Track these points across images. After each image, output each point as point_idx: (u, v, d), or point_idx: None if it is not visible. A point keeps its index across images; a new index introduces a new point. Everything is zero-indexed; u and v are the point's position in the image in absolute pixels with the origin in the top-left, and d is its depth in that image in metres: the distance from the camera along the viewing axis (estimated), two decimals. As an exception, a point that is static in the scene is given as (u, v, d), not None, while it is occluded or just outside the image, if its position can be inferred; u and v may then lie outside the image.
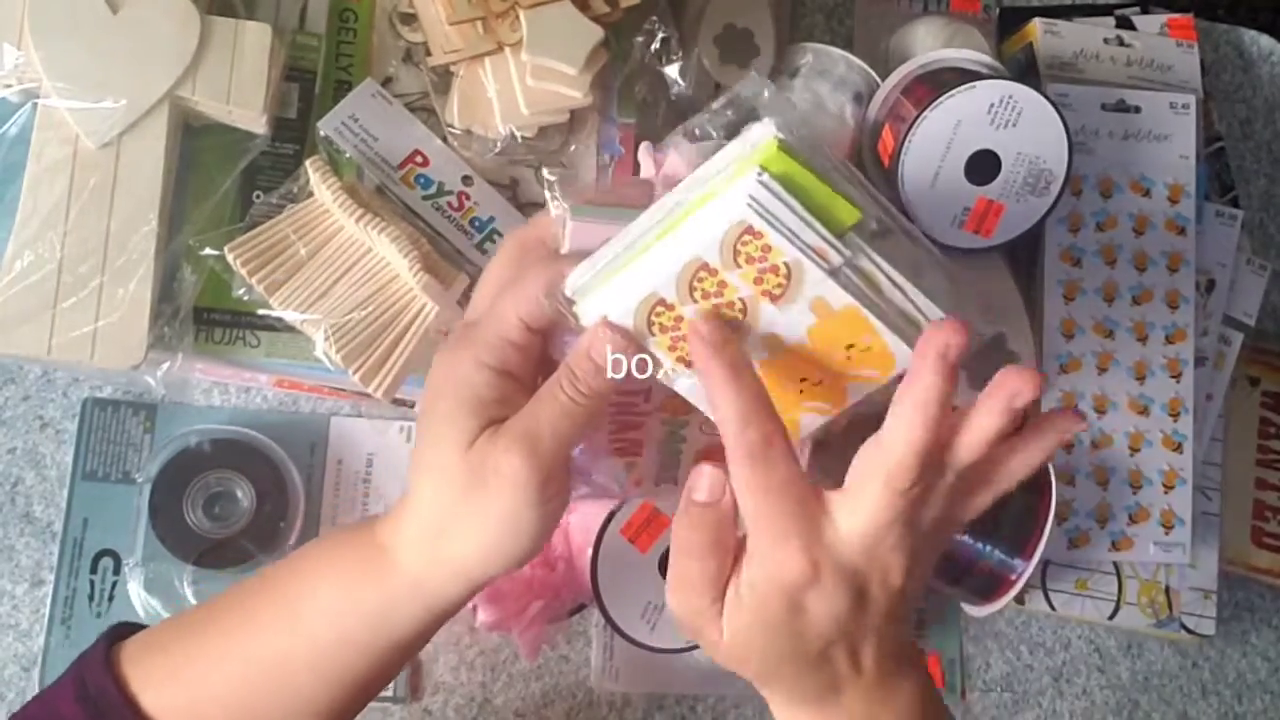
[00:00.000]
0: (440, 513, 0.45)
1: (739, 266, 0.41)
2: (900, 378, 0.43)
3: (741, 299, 0.42)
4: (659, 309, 0.42)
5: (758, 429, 0.41)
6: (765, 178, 0.39)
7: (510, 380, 0.44)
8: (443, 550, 0.45)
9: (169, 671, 0.47)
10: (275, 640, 0.47)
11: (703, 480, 0.43)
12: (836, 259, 0.41)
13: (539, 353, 0.45)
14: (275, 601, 0.48)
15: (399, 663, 0.48)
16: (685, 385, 0.45)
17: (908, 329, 0.43)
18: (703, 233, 0.41)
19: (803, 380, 0.45)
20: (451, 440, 0.44)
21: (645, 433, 0.51)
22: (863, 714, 0.44)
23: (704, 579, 0.43)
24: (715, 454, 0.45)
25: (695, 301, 0.42)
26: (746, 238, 0.40)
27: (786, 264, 0.41)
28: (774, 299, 0.42)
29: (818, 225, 0.40)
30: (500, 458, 0.43)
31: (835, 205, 0.40)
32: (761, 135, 0.40)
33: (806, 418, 0.47)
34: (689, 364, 0.43)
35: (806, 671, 0.43)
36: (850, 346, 0.44)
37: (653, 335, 0.43)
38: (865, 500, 0.41)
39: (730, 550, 0.43)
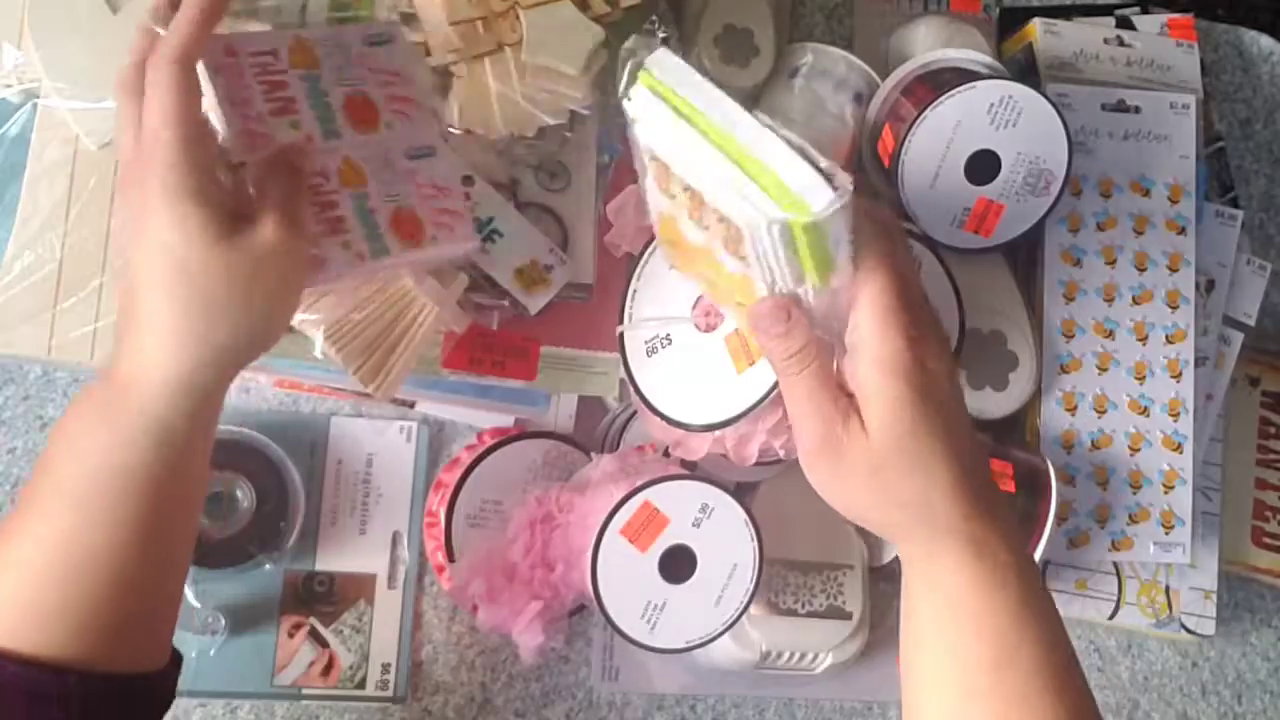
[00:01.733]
0: (188, 314, 0.45)
1: (720, 225, 0.48)
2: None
3: (708, 225, 0.49)
4: (663, 168, 0.49)
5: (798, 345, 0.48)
6: (774, 229, 0.44)
7: (209, 169, 0.46)
8: (201, 346, 0.46)
9: None
10: (56, 529, 0.46)
11: (769, 311, 0.48)
12: (780, 289, 0.48)
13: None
14: (40, 487, 0.47)
15: (187, 503, 0.49)
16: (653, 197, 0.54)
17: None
18: (722, 195, 0.46)
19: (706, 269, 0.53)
20: (196, 236, 0.45)
21: (292, 91, 0.57)
22: (1005, 514, 0.50)
23: (823, 379, 0.48)
24: (401, 217, 0.58)
25: (684, 194, 0.49)
26: (737, 229, 0.46)
27: (745, 255, 0.47)
28: (725, 248, 0.48)
29: (785, 268, 0.46)
30: (261, 251, 0.45)
31: (810, 270, 0.46)
32: (815, 200, 0.44)
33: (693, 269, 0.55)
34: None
35: (958, 437, 0.48)
36: (740, 305, 0.52)
37: (651, 162, 0.50)
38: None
39: (824, 345, 0.49)
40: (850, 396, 0.48)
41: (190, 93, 0.46)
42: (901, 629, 0.52)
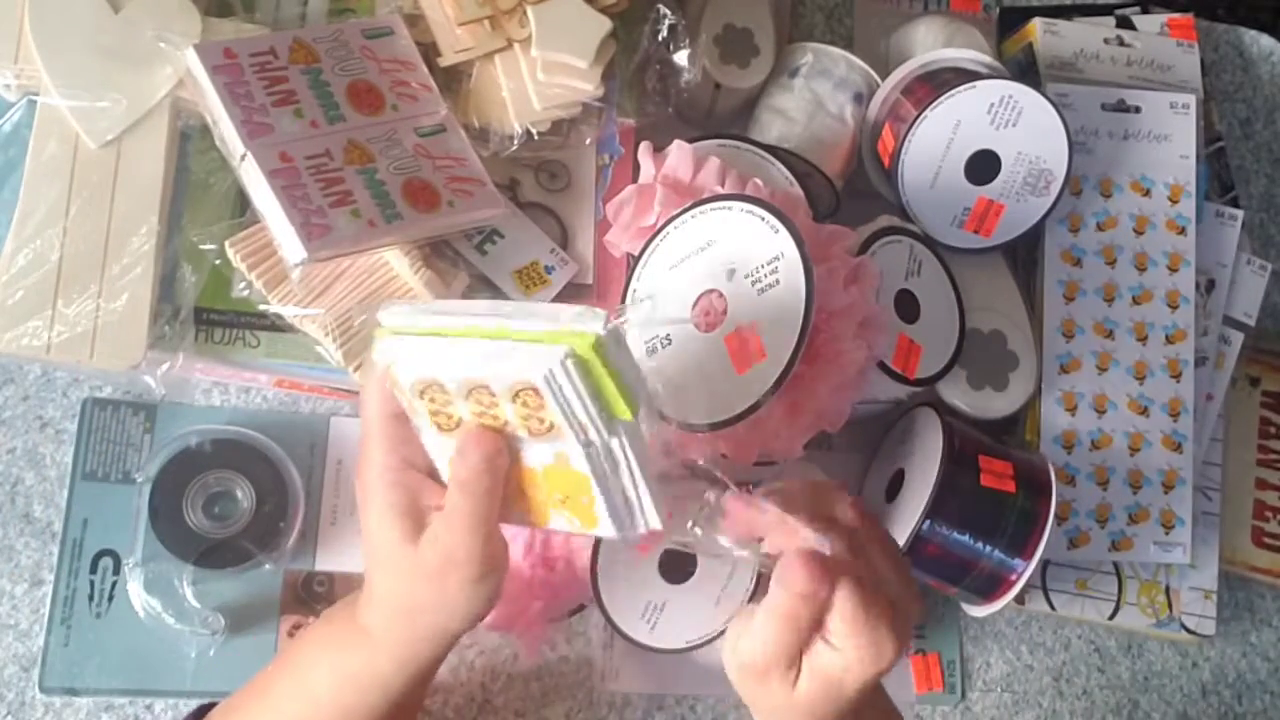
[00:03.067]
0: (404, 599, 0.51)
1: (513, 404, 0.47)
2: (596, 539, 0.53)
3: (507, 420, 0.48)
4: (435, 389, 0.48)
5: None
6: (568, 362, 0.44)
7: (412, 472, 0.51)
8: (417, 625, 0.52)
9: None
10: (290, 714, 0.55)
11: (800, 574, 0.49)
12: (594, 438, 0.47)
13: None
14: (286, 679, 0.56)
15: (402, 714, 0.56)
16: (429, 440, 0.50)
17: (622, 510, 0.49)
18: (500, 367, 0.46)
19: (521, 490, 0.51)
20: (390, 539, 0.50)
21: (293, 84, 0.61)
22: None
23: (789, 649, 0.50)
24: (414, 185, 0.62)
25: (466, 402, 0.48)
26: (530, 393, 0.46)
27: (552, 422, 0.47)
28: (531, 433, 0.48)
29: (590, 408, 0.46)
30: (443, 559, 0.49)
31: (615, 403, 0.46)
32: (590, 325, 0.45)
33: (517, 510, 0.52)
34: (441, 428, 0.49)
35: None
36: (567, 497, 0.50)
37: (420, 399, 0.49)
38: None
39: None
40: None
41: (387, 398, 0.50)
42: None
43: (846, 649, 0.49)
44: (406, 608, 0.52)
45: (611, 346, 0.45)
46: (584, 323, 0.45)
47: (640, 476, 0.49)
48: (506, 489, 0.51)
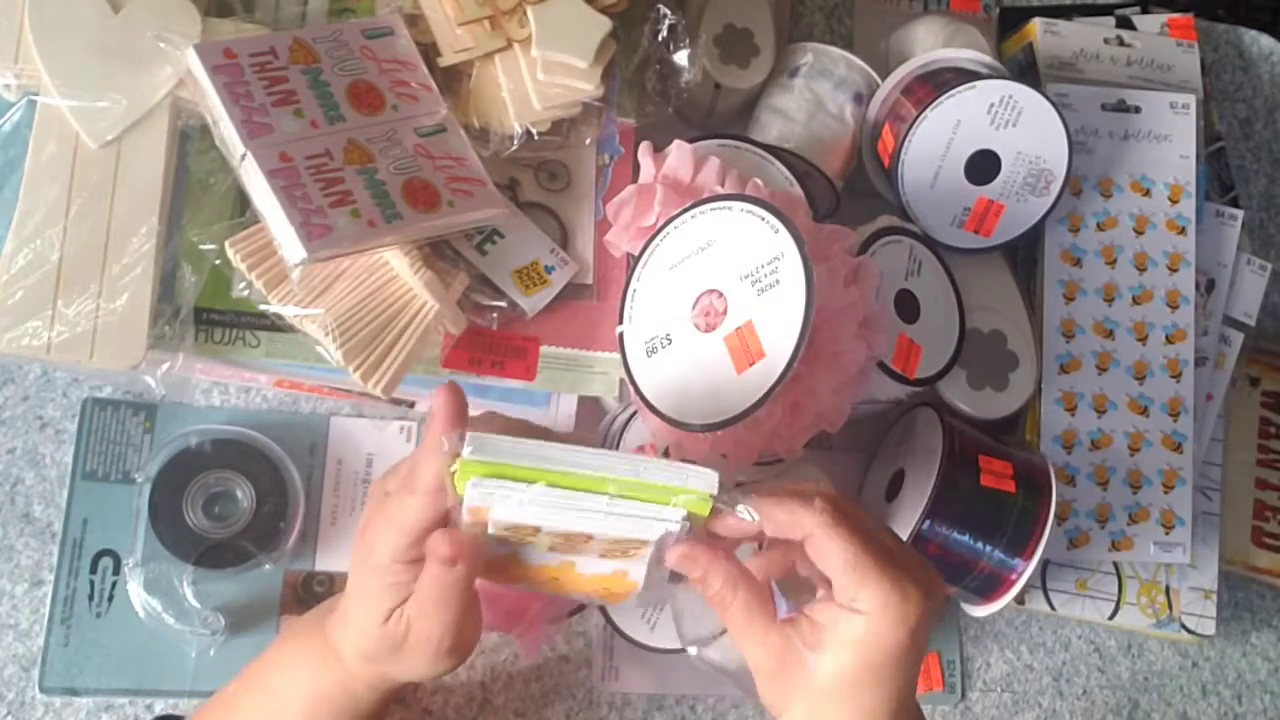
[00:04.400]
0: (370, 654, 0.53)
1: (609, 548, 0.49)
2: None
3: (588, 547, 0.49)
4: (526, 530, 0.48)
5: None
6: (685, 523, 0.47)
7: (416, 566, 0.51)
8: (385, 675, 0.54)
9: None
10: None
11: (679, 559, 0.50)
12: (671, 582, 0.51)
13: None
14: (256, 696, 0.57)
15: None
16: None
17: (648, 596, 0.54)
18: (615, 525, 0.47)
19: (554, 579, 0.53)
20: (370, 614, 0.52)
21: (293, 84, 0.62)
22: None
23: (756, 610, 0.50)
24: (414, 185, 0.62)
25: (552, 538, 0.48)
26: (636, 543, 0.48)
27: (635, 552, 0.49)
28: (602, 555, 0.49)
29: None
30: (404, 640, 0.51)
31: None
32: (703, 487, 0.47)
33: (532, 583, 0.54)
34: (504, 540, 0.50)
35: (901, 696, 0.50)
36: (608, 592, 0.54)
37: (503, 531, 0.48)
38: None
39: (748, 576, 0.51)
40: (811, 623, 0.50)
41: (408, 526, 0.50)
42: None
43: (862, 600, 0.47)
44: (374, 658, 0.53)
45: (725, 500, 0.48)
46: (695, 485, 0.47)
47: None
48: (537, 576, 0.52)
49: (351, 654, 0.54)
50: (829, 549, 0.48)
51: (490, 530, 0.48)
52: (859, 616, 0.47)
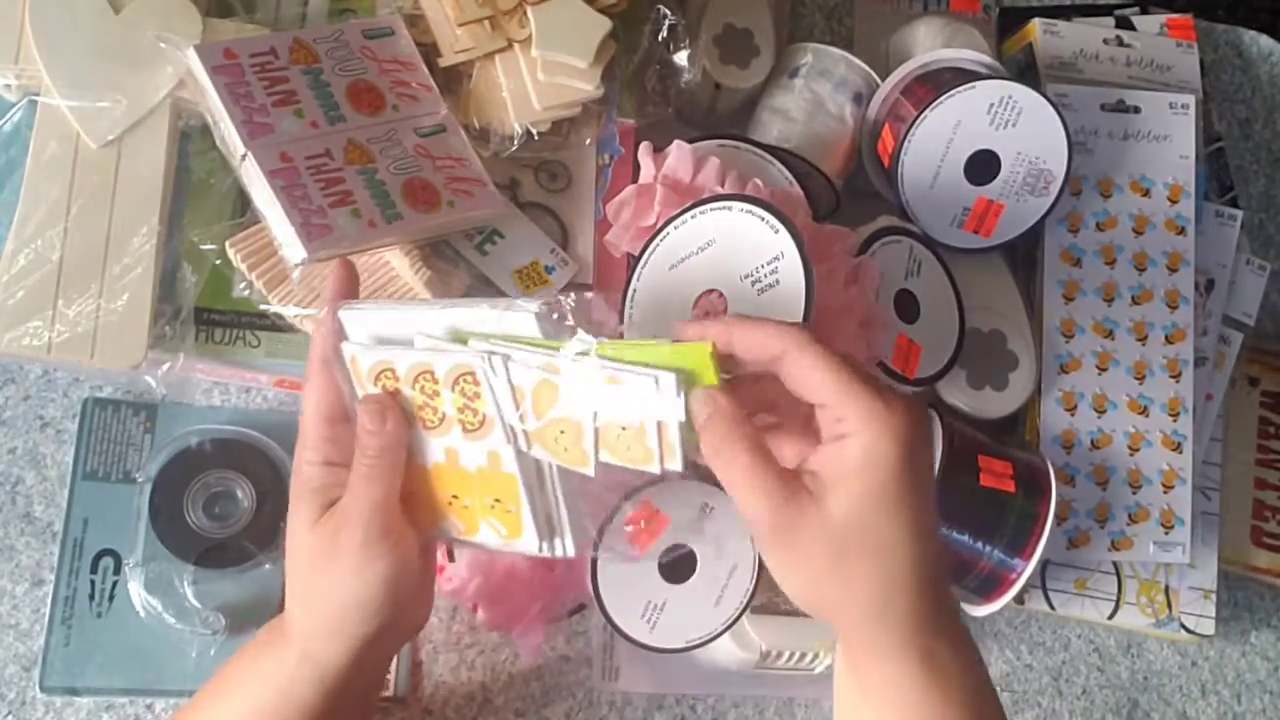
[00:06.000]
0: (305, 585, 0.51)
1: (453, 392, 0.48)
2: (516, 552, 0.51)
3: (444, 414, 0.49)
4: (387, 375, 0.50)
5: None
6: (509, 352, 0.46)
7: (336, 467, 0.51)
8: (316, 616, 0.51)
9: None
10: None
11: (693, 403, 0.46)
12: (523, 444, 0.48)
13: (351, 434, 0.51)
14: (212, 691, 0.55)
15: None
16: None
17: (544, 526, 0.50)
18: (443, 354, 0.48)
19: (454, 496, 0.52)
20: (299, 525, 0.51)
21: (293, 84, 0.62)
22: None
23: (761, 457, 0.45)
24: (414, 185, 0.62)
25: (412, 389, 0.49)
26: (468, 378, 0.47)
27: (485, 415, 0.48)
28: (466, 430, 0.49)
29: (529, 411, 0.47)
30: (335, 530, 0.50)
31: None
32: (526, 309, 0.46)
33: (446, 521, 0.53)
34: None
35: (926, 528, 0.46)
36: (498, 501, 0.50)
37: (374, 385, 0.51)
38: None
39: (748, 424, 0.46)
40: (811, 475, 0.46)
41: (322, 398, 0.51)
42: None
43: (850, 419, 0.43)
44: (305, 596, 0.51)
45: (546, 327, 0.46)
46: (520, 308, 0.46)
47: (560, 494, 0.49)
48: (439, 496, 0.51)
49: (291, 613, 0.52)
50: (806, 368, 0.44)
51: (366, 381, 0.50)
52: (852, 440, 0.44)
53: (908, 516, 0.44)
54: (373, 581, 0.50)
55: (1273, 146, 0.92)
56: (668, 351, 0.45)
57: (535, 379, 0.46)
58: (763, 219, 0.60)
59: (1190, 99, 0.80)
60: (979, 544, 0.68)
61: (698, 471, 0.67)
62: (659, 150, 0.69)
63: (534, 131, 0.68)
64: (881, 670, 0.47)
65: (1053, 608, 0.77)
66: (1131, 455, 0.76)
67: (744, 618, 0.66)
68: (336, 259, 0.54)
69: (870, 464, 0.44)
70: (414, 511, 0.52)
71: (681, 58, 0.71)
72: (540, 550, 0.50)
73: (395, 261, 0.64)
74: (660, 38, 0.71)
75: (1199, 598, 0.78)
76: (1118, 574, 0.78)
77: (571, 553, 0.50)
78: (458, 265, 0.67)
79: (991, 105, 0.71)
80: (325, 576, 0.50)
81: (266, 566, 0.68)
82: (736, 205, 0.62)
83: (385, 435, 0.49)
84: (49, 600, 0.66)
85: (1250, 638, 0.84)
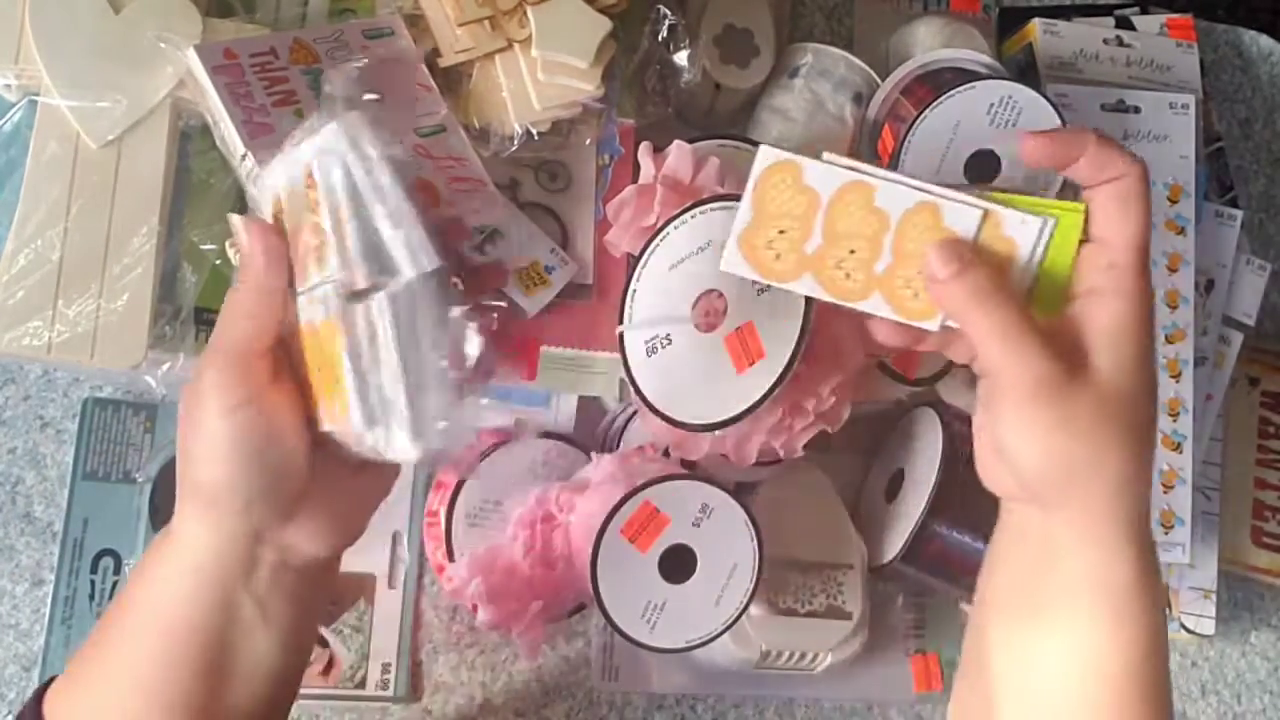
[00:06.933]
0: (179, 454, 0.45)
1: (312, 214, 0.42)
2: (349, 442, 0.43)
3: (319, 243, 0.42)
4: (278, 204, 0.44)
5: None
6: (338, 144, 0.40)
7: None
8: (187, 490, 0.45)
9: (78, 699, 0.47)
10: (122, 642, 0.47)
11: (942, 253, 0.44)
12: (361, 281, 0.39)
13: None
14: (118, 605, 0.48)
15: (234, 645, 0.46)
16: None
17: (372, 407, 0.41)
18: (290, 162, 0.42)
19: (318, 369, 0.44)
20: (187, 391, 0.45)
21: (293, 84, 0.60)
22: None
23: (1024, 311, 0.43)
24: (414, 186, 0.47)
25: (288, 204, 0.44)
26: (309, 180, 0.41)
27: (321, 240, 0.41)
28: (314, 264, 0.42)
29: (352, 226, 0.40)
30: (197, 375, 0.44)
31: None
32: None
33: (318, 407, 0.45)
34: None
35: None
36: (320, 368, 0.43)
37: (282, 219, 0.45)
38: None
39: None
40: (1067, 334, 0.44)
41: (259, 301, 0.45)
42: (1013, 591, 0.47)
43: (1129, 275, 0.43)
44: (179, 471, 0.45)
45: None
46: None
47: (400, 367, 0.39)
48: (307, 372, 0.45)
49: (179, 496, 0.45)
50: (1136, 196, 0.43)
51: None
52: (1118, 299, 0.43)
53: (1155, 392, 0.44)
54: (224, 438, 0.43)
55: (1273, 146, 0.92)
56: (1034, 202, 0.43)
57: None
58: (763, 219, 0.60)
59: (1190, 99, 0.80)
60: (979, 544, 0.68)
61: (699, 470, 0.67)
62: (659, 150, 0.69)
63: (534, 131, 0.68)
64: (1098, 554, 0.44)
65: (1053, 608, 0.77)
66: (1131, 455, 0.76)
67: (744, 618, 0.66)
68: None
69: (1137, 326, 0.43)
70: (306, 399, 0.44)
71: (681, 58, 0.71)
72: (368, 443, 0.41)
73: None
74: (660, 38, 0.71)
75: (1199, 598, 0.78)
76: (1118, 574, 0.78)
77: (410, 453, 0.40)
78: (458, 265, 0.67)
79: (991, 105, 0.71)
80: (187, 428, 0.44)
81: (266, 566, 0.67)
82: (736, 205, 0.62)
83: (254, 264, 0.44)
84: (49, 600, 0.66)
85: (1250, 638, 0.84)
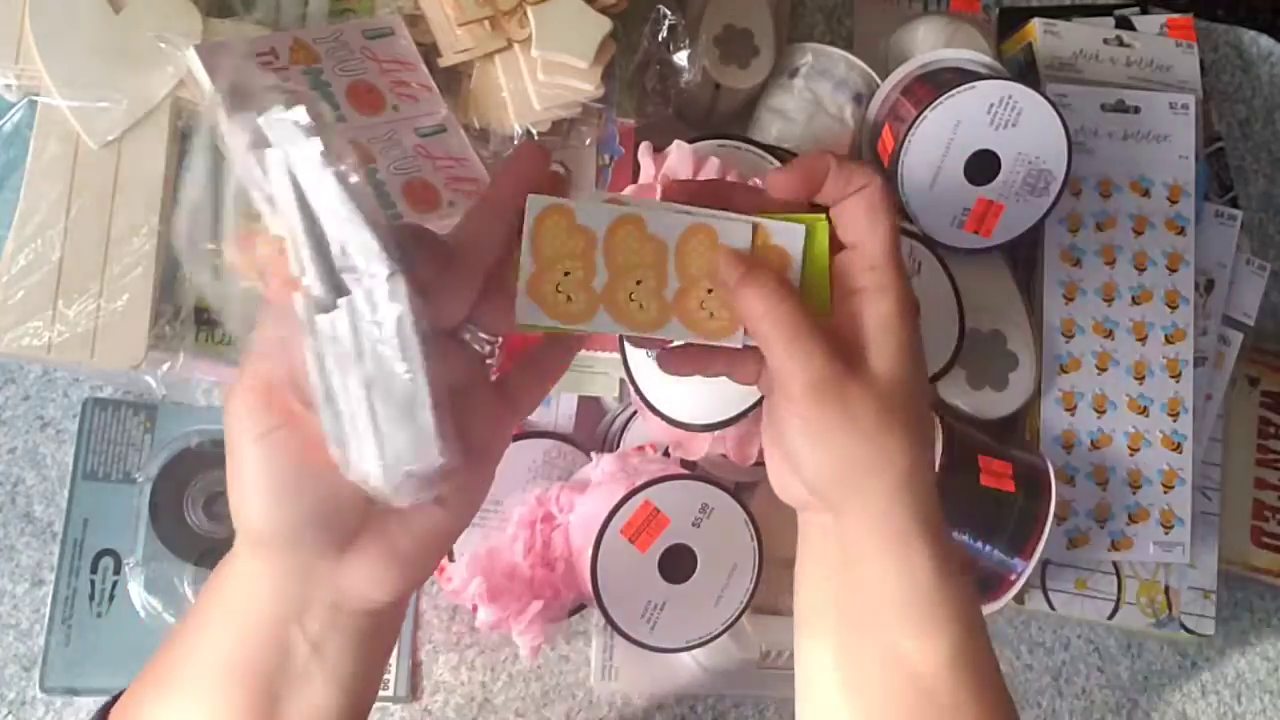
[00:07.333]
0: (229, 484, 0.44)
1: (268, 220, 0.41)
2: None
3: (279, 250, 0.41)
4: (260, 234, 0.42)
5: None
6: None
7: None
8: (240, 526, 0.44)
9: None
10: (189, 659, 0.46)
11: (729, 259, 0.45)
12: (318, 289, 0.38)
13: None
14: (175, 638, 0.47)
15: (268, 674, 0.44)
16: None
17: (336, 425, 0.40)
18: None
19: None
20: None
21: (293, 84, 0.60)
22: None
23: (808, 315, 0.44)
24: (414, 186, 0.59)
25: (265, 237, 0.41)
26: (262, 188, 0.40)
27: (279, 238, 0.40)
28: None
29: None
30: (227, 400, 0.42)
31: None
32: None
33: None
34: None
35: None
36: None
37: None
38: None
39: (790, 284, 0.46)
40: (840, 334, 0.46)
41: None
42: (829, 592, 0.48)
43: (889, 272, 0.44)
44: (232, 510, 0.44)
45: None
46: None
47: (363, 388, 0.37)
48: None
49: (236, 504, 0.43)
50: (880, 207, 0.45)
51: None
52: (884, 295, 0.44)
53: (927, 388, 0.46)
54: (253, 465, 0.42)
55: (1273, 146, 0.92)
56: (786, 216, 0.46)
57: (608, 218, 0.44)
58: (763, 219, 0.60)
59: (1190, 99, 0.80)
60: (979, 544, 0.68)
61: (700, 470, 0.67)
62: (659, 150, 0.69)
63: (534, 131, 0.68)
64: (893, 559, 0.46)
65: (1053, 608, 0.77)
66: (1131, 455, 0.76)
67: (744, 618, 0.66)
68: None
69: (904, 319, 0.44)
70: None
71: (681, 58, 0.71)
72: (339, 463, 0.39)
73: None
74: (660, 38, 0.71)
75: (1199, 598, 0.78)
76: (1118, 574, 0.78)
77: (376, 478, 0.38)
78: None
79: (991, 105, 0.71)
80: (229, 464, 0.43)
81: (266, 566, 0.68)
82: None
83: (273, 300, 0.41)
84: (49, 600, 0.66)
85: (1250, 638, 0.84)
